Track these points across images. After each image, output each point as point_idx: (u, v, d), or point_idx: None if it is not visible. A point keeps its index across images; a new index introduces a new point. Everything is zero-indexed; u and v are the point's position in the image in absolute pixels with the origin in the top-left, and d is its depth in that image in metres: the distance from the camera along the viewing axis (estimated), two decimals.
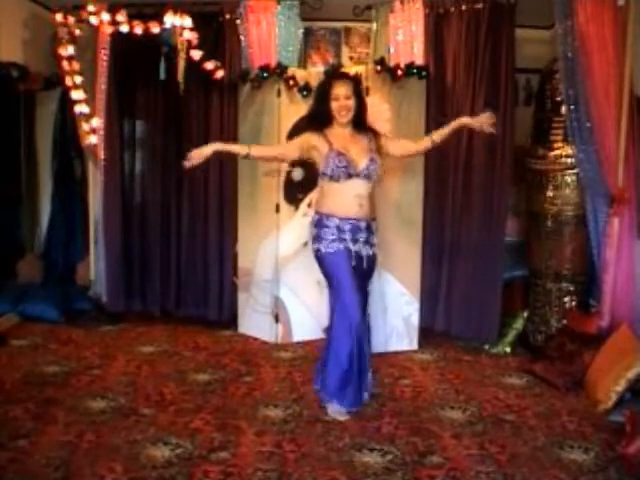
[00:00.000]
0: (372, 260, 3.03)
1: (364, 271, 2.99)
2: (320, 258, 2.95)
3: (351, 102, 2.91)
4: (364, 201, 2.92)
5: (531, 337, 3.94)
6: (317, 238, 2.94)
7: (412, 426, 2.83)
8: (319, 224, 2.94)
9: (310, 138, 2.95)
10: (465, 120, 3.03)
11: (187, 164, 2.86)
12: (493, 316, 3.87)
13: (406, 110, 3.78)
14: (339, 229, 2.90)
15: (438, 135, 3.04)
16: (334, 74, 3.17)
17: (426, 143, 3.07)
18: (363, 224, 2.93)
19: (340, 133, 2.96)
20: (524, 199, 4.15)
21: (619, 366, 3.00)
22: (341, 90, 2.90)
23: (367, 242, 2.96)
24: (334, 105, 2.90)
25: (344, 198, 2.90)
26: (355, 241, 2.91)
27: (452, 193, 3.93)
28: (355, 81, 3.03)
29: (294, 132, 3.88)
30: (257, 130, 3.96)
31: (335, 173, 2.85)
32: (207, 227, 4.26)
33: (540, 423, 2.88)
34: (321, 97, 2.98)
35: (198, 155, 2.87)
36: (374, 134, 3.04)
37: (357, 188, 2.89)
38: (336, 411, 2.91)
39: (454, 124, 3.00)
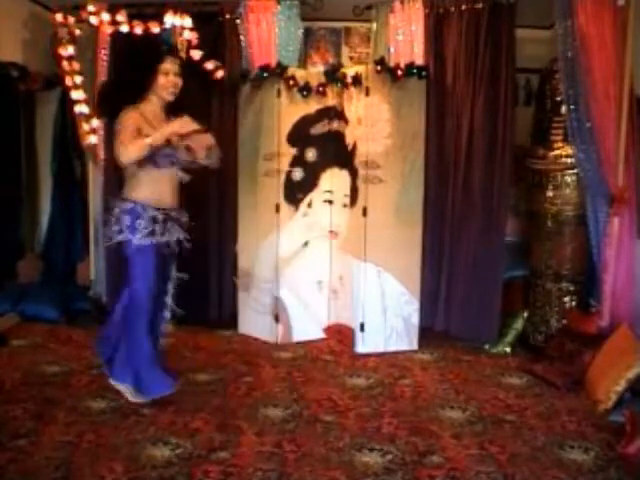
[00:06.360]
0: (179, 243, 2.94)
1: (168, 255, 2.93)
2: (129, 248, 2.79)
3: (179, 81, 2.80)
4: (176, 190, 2.87)
5: (531, 337, 3.93)
6: (129, 228, 2.76)
7: (412, 426, 2.83)
8: (133, 213, 2.76)
9: (137, 121, 2.69)
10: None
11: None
12: (493, 316, 3.87)
13: (406, 110, 3.77)
14: (154, 220, 2.78)
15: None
16: (165, 50, 2.97)
17: None
18: (174, 213, 2.88)
19: (155, 112, 2.80)
20: (524, 199, 4.15)
21: (619, 366, 3.00)
22: (173, 66, 2.78)
23: (177, 226, 2.90)
24: (162, 80, 2.75)
25: (161, 187, 2.79)
26: (167, 232, 2.84)
27: (452, 193, 3.93)
28: (183, 63, 2.91)
29: (294, 132, 3.90)
30: (257, 130, 3.96)
31: (159, 160, 2.71)
32: (207, 227, 4.25)
33: (540, 423, 2.88)
34: (144, 67, 2.76)
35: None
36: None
37: (173, 177, 2.82)
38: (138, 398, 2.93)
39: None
